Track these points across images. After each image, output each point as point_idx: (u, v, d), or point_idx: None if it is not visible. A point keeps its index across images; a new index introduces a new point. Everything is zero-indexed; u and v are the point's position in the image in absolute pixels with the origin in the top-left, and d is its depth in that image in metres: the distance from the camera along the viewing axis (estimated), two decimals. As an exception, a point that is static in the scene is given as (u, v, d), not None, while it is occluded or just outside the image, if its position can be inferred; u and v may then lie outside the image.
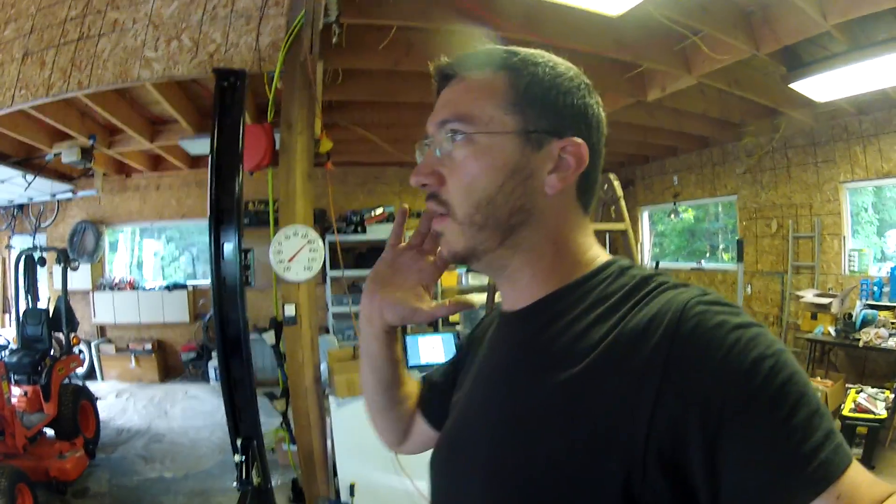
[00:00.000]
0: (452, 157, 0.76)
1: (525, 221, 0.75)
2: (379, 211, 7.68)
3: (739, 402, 0.56)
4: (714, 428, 0.56)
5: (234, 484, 2.68)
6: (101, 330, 8.30)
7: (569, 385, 0.67)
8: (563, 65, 0.79)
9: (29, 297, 5.81)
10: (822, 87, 4.42)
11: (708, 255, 8.45)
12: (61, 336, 5.57)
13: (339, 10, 3.10)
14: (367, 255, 7.67)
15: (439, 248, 0.89)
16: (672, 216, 8.29)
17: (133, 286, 8.30)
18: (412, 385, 1.10)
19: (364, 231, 7.47)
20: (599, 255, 0.80)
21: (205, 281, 8.32)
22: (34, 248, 6.22)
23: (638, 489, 0.59)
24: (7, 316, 8.13)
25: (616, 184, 4.03)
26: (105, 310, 8.13)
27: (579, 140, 0.75)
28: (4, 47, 3.43)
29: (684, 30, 3.91)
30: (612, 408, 0.62)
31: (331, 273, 7.25)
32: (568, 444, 0.64)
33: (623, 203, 4.00)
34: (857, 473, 0.55)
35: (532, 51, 0.79)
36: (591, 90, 0.80)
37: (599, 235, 4.28)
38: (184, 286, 8.29)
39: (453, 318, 7.18)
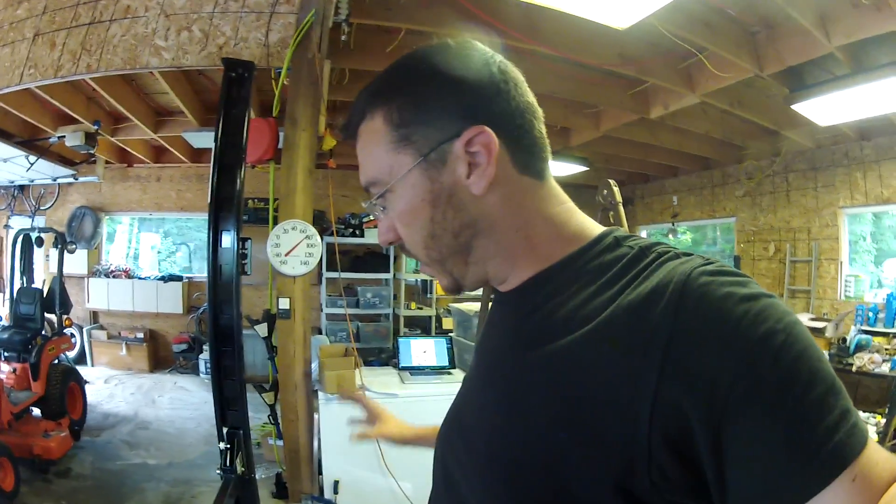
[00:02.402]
0: (390, 210, 0.75)
1: (475, 233, 0.72)
2: (378, 215, 7.66)
3: (748, 383, 0.52)
4: (720, 410, 0.53)
5: (217, 471, 2.69)
6: (94, 316, 8.30)
7: (564, 362, 0.64)
8: (433, 53, 0.73)
9: (24, 278, 5.79)
10: (824, 109, 4.42)
11: (705, 278, 8.40)
12: (53, 317, 5.59)
13: (349, 9, 3.13)
14: (364, 258, 7.70)
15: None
16: (670, 236, 8.34)
17: (129, 275, 8.30)
18: None
19: (362, 234, 7.47)
20: (585, 224, 0.76)
21: (201, 275, 8.29)
22: (32, 228, 6.23)
23: (643, 476, 0.57)
24: (1, 295, 8.11)
25: (615, 189, 4.03)
26: (99, 296, 8.12)
27: (477, 126, 0.68)
28: (16, 26, 3.46)
29: (689, 47, 3.94)
30: (610, 388, 0.59)
31: (327, 274, 7.28)
32: (562, 426, 0.61)
33: (622, 209, 4.00)
34: (873, 452, 0.53)
35: (399, 63, 0.76)
36: (471, 53, 0.73)
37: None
38: (179, 278, 8.29)
39: (447, 323, 7.20)
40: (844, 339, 5.46)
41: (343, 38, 3.38)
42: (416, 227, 0.73)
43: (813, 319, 5.95)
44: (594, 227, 0.75)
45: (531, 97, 0.75)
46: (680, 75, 4.45)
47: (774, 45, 3.90)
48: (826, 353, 5.48)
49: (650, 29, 3.60)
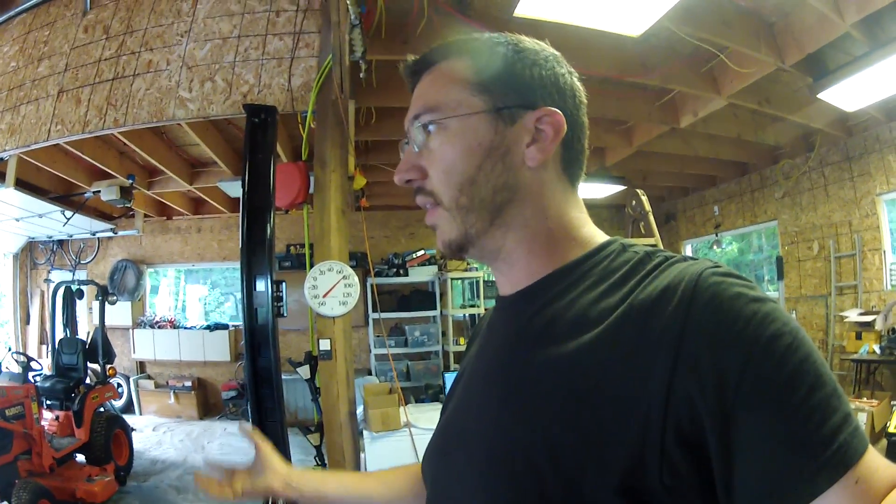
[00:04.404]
0: (429, 148, 0.76)
1: (511, 199, 0.74)
2: (420, 253, 7.70)
3: (755, 381, 0.54)
4: (728, 407, 0.54)
5: (259, 512, 2.68)
6: (141, 366, 8.43)
7: (574, 360, 0.64)
8: (527, 41, 0.78)
9: (67, 329, 5.94)
10: (849, 94, 4.33)
11: (754, 286, 8.23)
12: (97, 367, 5.71)
13: (365, 47, 3.15)
14: (409, 297, 7.74)
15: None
16: (714, 247, 8.18)
17: (174, 325, 8.43)
18: (391, 477, 1.11)
19: (406, 273, 7.53)
20: (595, 233, 0.78)
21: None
22: (72, 281, 6.41)
23: (654, 476, 0.56)
24: (45, 347, 8.28)
25: (644, 199, 4.00)
26: (145, 346, 8.26)
27: (553, 109, 0.74)
28: (39, 83, 3.55)
29: (709, 47, 3.89)
30: (622, 386, 0.59)
31: (372, 315, 7.33)
32: (571, 427, 0.61)
33: (651, 218, 3.97)
34: (873, 457, 0.54)
35: (496, 34, 0.79)
36: (561, 61, 0.79)
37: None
38: (225, 326, 8.38)
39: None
40: (894, 330, 5.27)
41: (361, 75, 3.40)
42: (459, 168, 0.74)
43: (862, 314, 5.78)
44: (602, 236, 0.78)
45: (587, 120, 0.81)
46: (704, 79, 4.40)
47: (792, 32, 3.83)
48: (877, 346, 5.33)
49: (668, 35, 3.57)
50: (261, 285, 2.76)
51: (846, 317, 5.96)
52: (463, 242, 0.77)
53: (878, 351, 5.34)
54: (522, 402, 0.67)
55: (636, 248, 0.73)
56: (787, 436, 0.52)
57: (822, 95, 4.34)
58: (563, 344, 0.66)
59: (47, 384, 5.21)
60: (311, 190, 3.07)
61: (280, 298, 2.78)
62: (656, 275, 0.65)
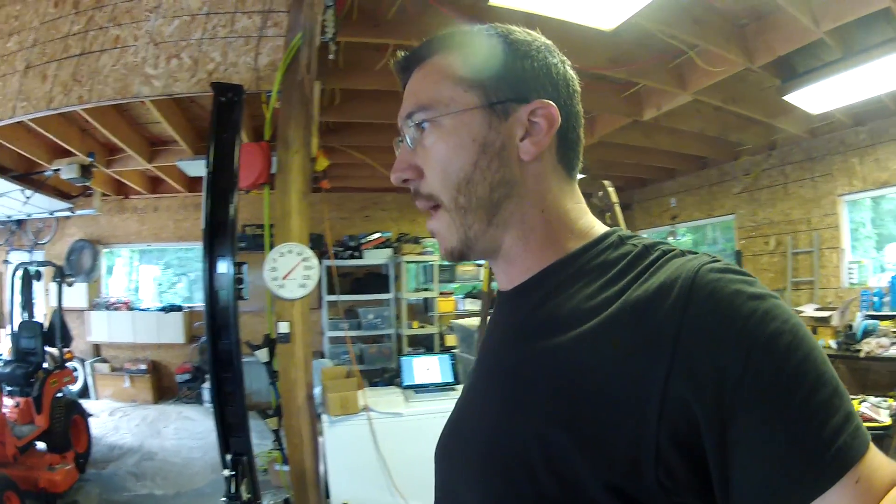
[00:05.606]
0: (424, 146, 0.75)
1: (509, 194, 0.74)
2: (376, 236, 7.71)
3: (755, 381, 0.53)
4: (727, 408, 0.53)
5: (223, 499, 2.65)
6: (97, 349, 8.27)
7: (570, 358, 0.63)
8: (518, 31, 0.77)
9: (25, 312, 5.77)
10: (817, 97, 4.41)
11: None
12: (55, 350, 5.57)
13: (337, 28, 3.12)
14: (363, 279, 7.72)
15: None
16: (670, 238, 8.30)
17: (129, 307, 8.29)
18: None
19: (361, 256, 7.55)
20: (593, 224, 0.78)
21: (201, 304, 8.22)
22: (30, 262, 6.23)
23: (648, 476, 0.56)
24: (2, 331, 8.08)
25: (611, 190, 4.03)
26: (100, 328, 8.10)
27: (546, 101, 0.73)
28: (7, 59, 3.47)
29: (678, 44, 3.92)
30: (616, 385, 0.58)
31: (327, 297, 7.31)
32: (563, 424, 0.60)
33: (619, 209, 4.00)
34: (874, 456, 0.54)
35: (486, 26, 0.78)
36: (553, 50, 0.78)
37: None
38: (179, 308, 8.25)
39: (450, 340, 7.13)
40: (851, 327, 5.40)
41: (331, 56, 3.36)
42: (455, 166, 0.73)
43: (818, 310, 5.91)
44: (600, 227, 0.78)
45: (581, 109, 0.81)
46: (671, 74, 4.43)
47: (764, 35, 3.87)
48: (833, 341, 5.44)
49: (638, 30, 3.59)
50: (223, 267, 2.72)
51: (802, 311, 6.09)
52: (464, 248, 0.76)
53: (834, 346, 5.47)
54: (518, 400, 0.67)
55: (634, 241, 0.72)
56: (788, 438, 0.52)
57: (789, 97, 4.41)
58: (557, 339, 0.65)
59: (7, 370, 5.06)
60: (273, 170, 3.03)
61: (241, 280, 2.74)
62: (654, 270, 0.64)
